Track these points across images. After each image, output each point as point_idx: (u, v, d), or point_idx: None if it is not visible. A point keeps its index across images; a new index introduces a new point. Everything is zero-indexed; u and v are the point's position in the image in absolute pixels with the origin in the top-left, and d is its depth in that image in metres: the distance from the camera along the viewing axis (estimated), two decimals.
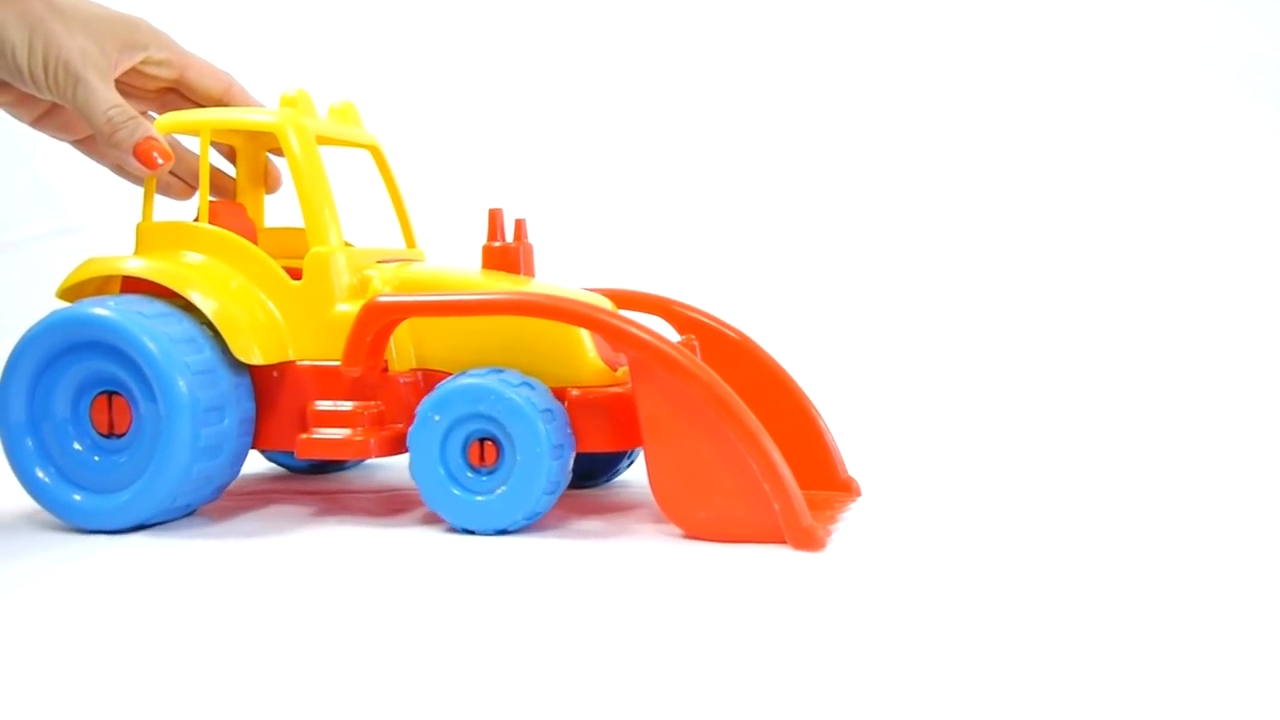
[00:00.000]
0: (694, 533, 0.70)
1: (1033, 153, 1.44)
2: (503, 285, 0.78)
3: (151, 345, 0.70)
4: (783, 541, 0.67)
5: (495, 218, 0.82)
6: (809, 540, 0.67)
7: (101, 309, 0.72)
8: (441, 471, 0.71)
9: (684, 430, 0.69)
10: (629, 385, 0.75)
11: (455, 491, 0.71)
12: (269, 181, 0.90)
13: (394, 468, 0.95)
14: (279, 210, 0.90)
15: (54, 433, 0.74)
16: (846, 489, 0.81)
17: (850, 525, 0.72)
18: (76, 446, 0.74)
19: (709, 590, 0.60)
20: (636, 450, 0.84)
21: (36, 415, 0.73)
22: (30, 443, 0.73)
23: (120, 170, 0.84)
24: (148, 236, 0.80)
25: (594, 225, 1.45)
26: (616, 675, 0.48)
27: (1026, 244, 1.42)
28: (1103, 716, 0.42)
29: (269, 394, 0.77)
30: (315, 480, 0.91)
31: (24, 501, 0.75)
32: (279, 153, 0.90)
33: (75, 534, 0.72)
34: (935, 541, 0.69)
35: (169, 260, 0.77)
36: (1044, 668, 0.47)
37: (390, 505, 0.81)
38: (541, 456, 0.69)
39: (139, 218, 0.80)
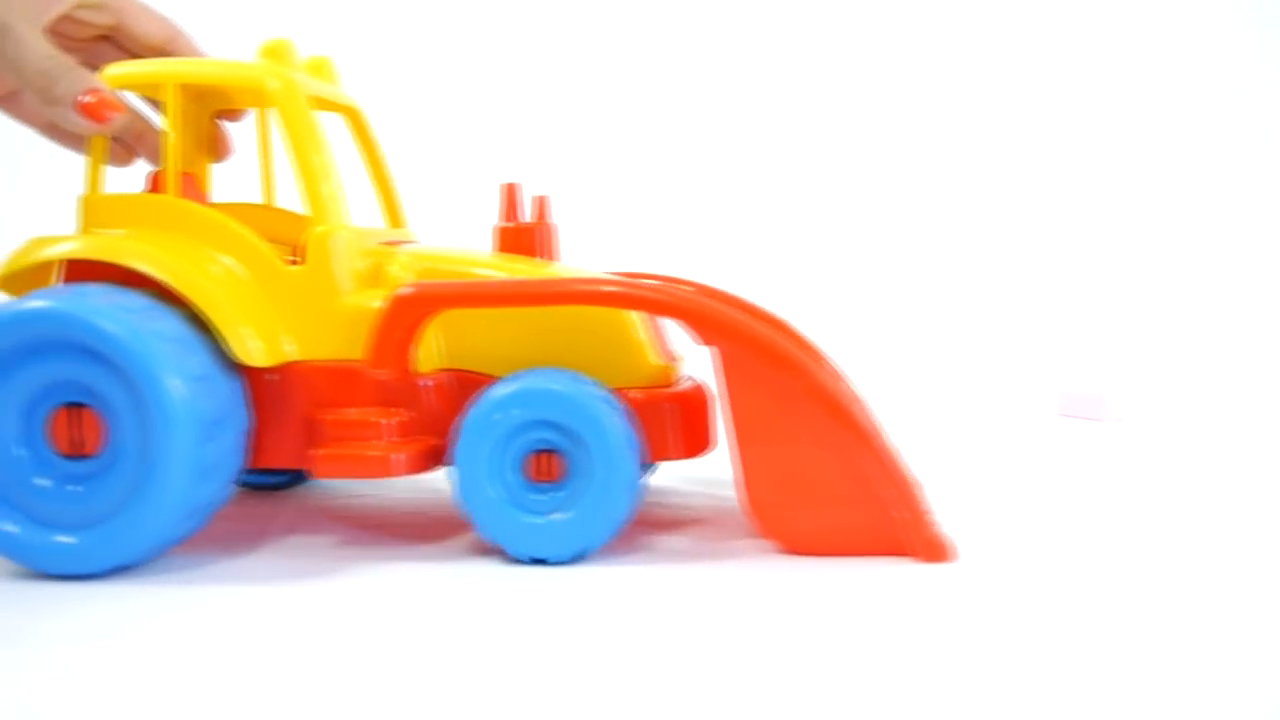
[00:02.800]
0: (796, 547, 0.62)
1: (1053, 154, 1.42)
2: (551, 271, 0.67)
3: (140, 346, 0.56)
4: (901, 553, 0.60)
5: (511, 194, 0.72)
6: (939, 551, 0.60)
7: (71, 302, 0.57)
8: (499, 492, 0.60)
9: (787, 432, 0.60)
10: (681, 385, 0.66)
11: (521, 515, 0.61)
12: (218, 148, 0.76)
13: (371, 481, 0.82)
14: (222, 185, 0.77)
15: (5, 462, 0.59)
16: None
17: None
18: (40, 480, 0.59)
19: (846, 615, 0.52)
20: None
21: None
22: None
23: (52, 131, 0.69)
24: (96, 212, 0.65)
25: (597, 202, 1.32)
26: None
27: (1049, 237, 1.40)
28: None
29: (266, 401, 0.64)
30: (312, 497, 0.78)
31: None
32: (229, 116, 0.76)
33: (34, 581, 0.58)
34: (1062, 546, 0.64)
35: (137, 241, 0.62)
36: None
37: (420, 528, 0.69)
38: (626, 472, 0.60)
39: (82, 189, 0.66)
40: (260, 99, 0.69)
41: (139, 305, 0.59)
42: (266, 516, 0.72)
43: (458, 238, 0.74)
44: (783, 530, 0.62)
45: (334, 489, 0.81)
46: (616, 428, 0.59)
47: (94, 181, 0.65)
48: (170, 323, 0.59)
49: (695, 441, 0.66)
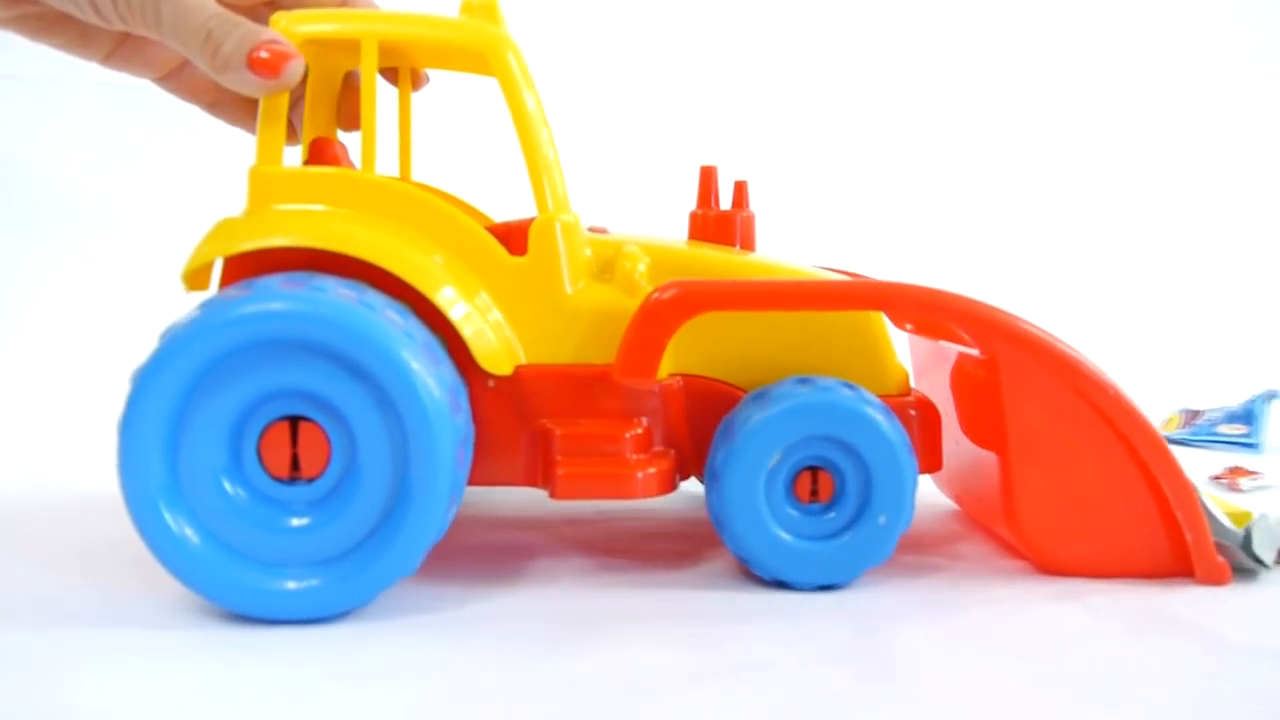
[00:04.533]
0: (1068, 569, 0.58)
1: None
2: (812, 271, 0.61)
3: (405, 354, 0.48)
4: (1175, 574, 0.57)
5: (708, 178, 0.65)
6: (1221, 574, 0.57)
7: (328, 299, 0.48)
8: (766, 510, 0.55)
9: (1069, 447, 0.57)
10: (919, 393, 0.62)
11: (784, 536, 0.55)
12: (344, 115, 0.67)
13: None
14: None
15: (213, 489, 0.49)
16: None
17: None
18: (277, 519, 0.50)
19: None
20: None
21: (192, 468, 0.49)
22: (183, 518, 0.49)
23: (219, 107, 0.60)
24: (270, 188, 0.55)
25: (795, 190, 1.22)
26: None
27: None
28: None
29: (488, 412, 0.56)
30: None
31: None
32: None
33: (247, 628, 0.49)
34: None
35: (363, 227, 0.53)
36: None
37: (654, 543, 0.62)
38: (906, 491, 0.55)
39: (250, 161, 0.56)
40: (478, 65, 0.60)
41: (382, 303, 0.50)
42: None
43: (624, 224, 0.67)
44: (1056, 552, 0.58)
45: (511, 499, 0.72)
46: (898, 446, 0.55)
47: (268, 151, 0.56)
48: (414, 325, 0.51)
49: (934, 457, 0.62)
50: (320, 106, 0.64)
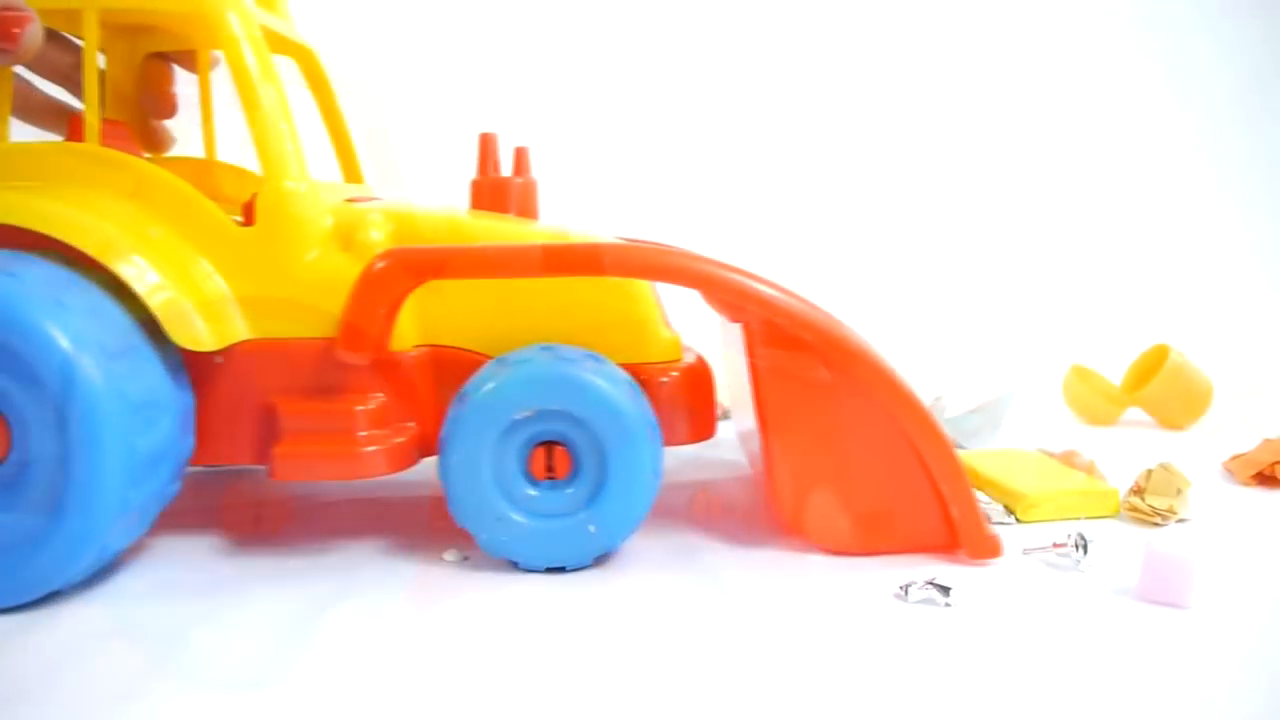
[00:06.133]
0: (830, 546, 0.55)
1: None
2: (554, 234, 0.58)
3: (36, 319, 0.46)
4: (943, 550, 0.54)
5: (487, 145, 0.63)
6: (991, 548, 0.53)
7: None
8: (495, 490, 0.52)
9: (828, 419, 0.53)
10: (688, 361, 0.59)
11: (516, 517, 0.52)
12: (162, 102, 0.65)
13: None
14: None
15: None
16: None
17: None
18: None
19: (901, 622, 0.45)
20: None
21: None
22: None
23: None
24: None
25: (581, 157, 1.19)
26: None
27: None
28: None
29: (214, 388, 0.54)
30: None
31: None
32: (182, 62, 0.66)
33: None
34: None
35: (45, 198, 0.52)
36: None
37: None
38: (644, 464, 0.52)
39: None
40: (204, 34, 0.58)
41: (42, 275, 0.48)
42: (215, 509, 0.62)
43: (423, 194, 0.65)
44: (817, 528, 0.55)
45: None
46: (636, 420, 0.51)
47: None
48: (82, 293, 0.49)
49: (706, 424, 0.59)
50: (123, 86, 0.63)
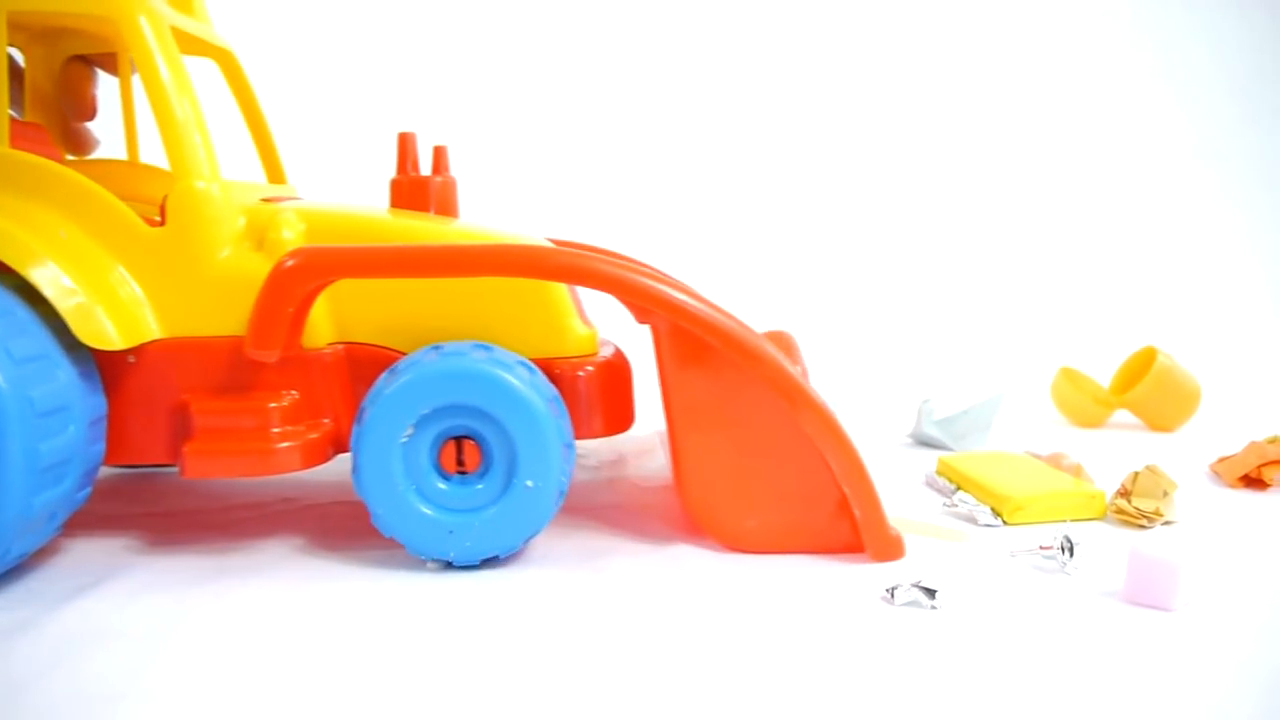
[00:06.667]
0: (737, 545, 0.55)
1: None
2: (462, 234, 0.59)
3: None
4: (847, 551, 0.54)
5: (406, 144, 0.63)
6: (894, 549, 0.54)
7: None
8: (405, 484, 0.52)
9: (734, 420, 0.54)
10: (605, 355, 0.59)
11: (426, 510, 0.52)
12: (82, 105, 0.65)
13: None
14: None
15: None
16: None
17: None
18: None
19: (811, 622, 0.46)
20: None
21: None
22: None
23: None
24: None
25: (503, 156, 1.16)
26: None
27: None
28: None
29: (126, 387, 0.54)
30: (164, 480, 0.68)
31: None
32: (104, 65, 0.66)
33: None
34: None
35: None
36: None
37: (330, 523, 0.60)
38: (553, 454, 0.52)
39: None
40: (113, 36, 0.58)
41: None
42: (133, 516, 0.62)
43: (348, 194, 0.66)
44: (724, 528, 0.55)
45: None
46: (541, 412, 0.52)
47: None
48: None
49: (621, 418, 0.59)
50: (40, 94, 0.63)
